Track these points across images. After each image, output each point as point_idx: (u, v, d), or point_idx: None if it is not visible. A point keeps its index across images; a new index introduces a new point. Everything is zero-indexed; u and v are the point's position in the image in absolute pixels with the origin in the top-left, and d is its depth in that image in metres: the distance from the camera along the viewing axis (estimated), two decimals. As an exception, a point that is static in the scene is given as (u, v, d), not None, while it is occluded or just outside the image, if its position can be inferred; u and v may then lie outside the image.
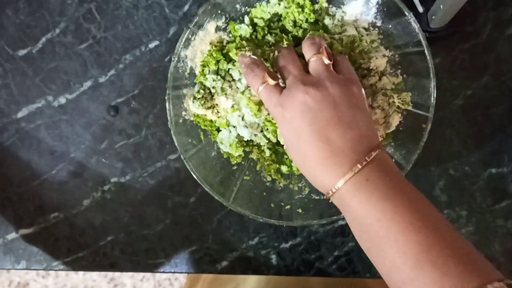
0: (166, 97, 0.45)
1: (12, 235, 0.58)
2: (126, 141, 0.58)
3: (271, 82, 0.39)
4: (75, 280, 1.36)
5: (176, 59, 0.46)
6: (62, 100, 0.58)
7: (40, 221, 0.58)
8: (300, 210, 0.47)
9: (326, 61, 0.39)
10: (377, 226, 0.34)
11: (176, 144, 0.46)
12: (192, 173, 0.45)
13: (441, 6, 0.49)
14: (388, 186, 0.35)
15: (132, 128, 0.58)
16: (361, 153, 0.36)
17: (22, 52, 0.59)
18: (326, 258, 0.56)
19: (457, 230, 0.35)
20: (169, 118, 0.46)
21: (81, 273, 1.36)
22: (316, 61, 0.39)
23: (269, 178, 0.49)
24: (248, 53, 0.42)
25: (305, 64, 0.41)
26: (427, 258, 0.32)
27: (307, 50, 0.41)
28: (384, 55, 0.47)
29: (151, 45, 0.58)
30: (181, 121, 0.47)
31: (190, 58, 0.47)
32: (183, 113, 0.47)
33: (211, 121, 0.48)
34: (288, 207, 0.47)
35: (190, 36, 0.46)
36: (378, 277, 0.55)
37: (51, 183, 0.58)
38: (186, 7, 0.58)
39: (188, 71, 0.48)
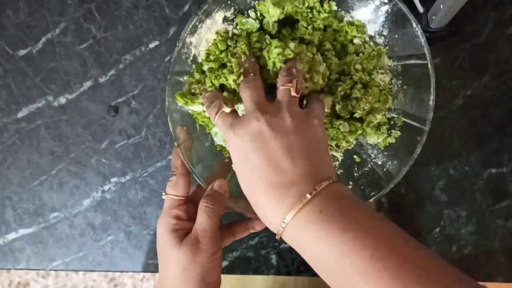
0: (166, 82, 0.45)
1: (12, 235, 0.58)
2: (126, 141, 0.58)
3: (226, 109, 0.39)
4: (75, 280, 1.36)
5: (180, 44, 0.45)
6: (62, 100, 0.58)
7: (40, 221, 0.58)
8: None
9: (293, 93, 0.39)
10: (342, 261, 0.32)
11: (171, 130, 0.45)
12: (184, 161, 0.44)
13: (441, 6, 0.49)
14: (345, 215, 0.33)
15: (132, 128, 0.58)
16: (312, 184, 0.35)
17: (22, 52, 0.59)
18: (326, 258, 0.56)
19: (420, 244, 0.33)
20: (166, 103, 0.45)
21: (81, 273, 1.36)
22: (283, 90, 0.39)
23: None
24: (209, 89, 0.43)
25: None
26: (401, 284, 0.30)
27: (281, 78, 0.40)
28: (387, 70, 0.47)
29: (151, 45, 0.58)
30: (178, 107, 0.47)
31: (195, 46, 0.47)
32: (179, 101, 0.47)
33: (208, 118, 0.48)
34: None
35: (197, 23, 0.46)
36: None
37: (51, 183, 0.58)
38: (186, 7, 0.58)
39: (191, 58, 0.47)
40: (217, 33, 0.47)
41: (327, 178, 0.35)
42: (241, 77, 0.41)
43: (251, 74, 0.41)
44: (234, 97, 0.42)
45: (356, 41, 0.47)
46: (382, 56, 0.47)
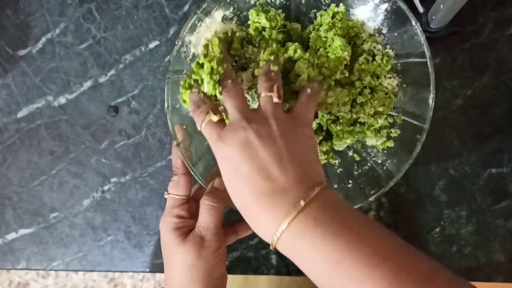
0: (165, 81, 0.45)
1: (12, 235, 0.58)
2: (126, 141, 0.58)
3: (214, 118, 0.39)
4: (75, 280, 1.36)
5: (180, 43, 0.45)
6: (62, 100, 0.58)
7: (40, 221, 0.58)
8: None
9: (275, 100, 0.38)
10: (339, 269, 0.31)
11: (170, 129, 0.45)
12: (184, 160, 0.44)
13: (441, 6, 0.49)
14: (339, 222, 0.33)
15: (132, 128, 0.58)
16: (304, 190, 0.34)
17: (22, 52, 0.59)
18: (326, 258, 0.56)
19: (416, 249, 0.33)
20: (166, 102, 0.45)
21: (81, 273, 1.36)
22: (265, 97, 0.38)
23: None
24: (195, 90, 0.41)
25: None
26: None
27: (260, 85, 0.39)
28: (394, 74, 0.47)
29: (151, 45, 0.58)
30: (177, 106, 0.46)
31: (194, 45, 0.47)
32: (180, 99, 0.47)
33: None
34: None
35: (196, 22, 0.46)
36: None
37: (51, 183, 0.58)
38: (186, 7, 0.58)
39: (190, 57, 0.47)
40: (216, 34, 0.47)
41: (319, 184, 0.35)
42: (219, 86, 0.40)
43: (229, 81, 0.40)
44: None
45: (365, 46, 0.47)
46: (391, 59, 0.47)
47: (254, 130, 0.36)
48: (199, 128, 0.40)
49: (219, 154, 0.37)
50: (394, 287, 0.30)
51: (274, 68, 0.40)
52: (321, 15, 0.47)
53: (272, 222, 0.34)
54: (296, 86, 0.42)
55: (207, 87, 0.40)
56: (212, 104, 0.40)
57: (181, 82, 0.43)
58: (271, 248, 0.35)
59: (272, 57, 0.42)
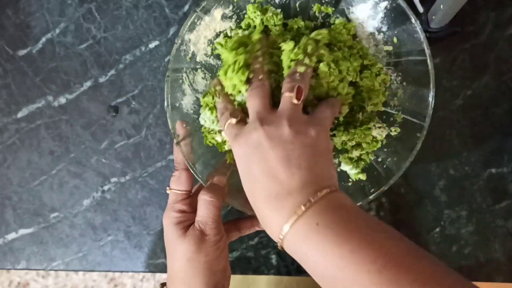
0: (165, 79, 0.45)
1: (12, 235, 0.58)
2: (126, 141, 0.58)
3: (232, 121, 0.41)
4: (75, 280, 1.36)
5: (179, 41, 0.45)
6: (62, 100, 0.58)
7: (40, 221, 0.58)
8: None
9: (294, 101, 0.38)
10: (341, 275, 0.31)
11: (170, 128, 0.45)
12: (184, 158, 0.45)
13: (441, 6, 0.49)
14: (342, 228, 0.33)
15: (132, 128, 0.58)
16: (308, 194, 0.34)
17: (22, 52, 0.59)
18: (326, 258, 0.56)
19: (423, 251, 0.33)
20: (165, 101, 0.45)
21: (81, 273, 1.36)
22: (285, 98, 0.39)
23: None
24: (219, 100, 0.44)
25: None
26: None
27: (284, 85, 0.40)
28: (385, 125, 0.47)
29: (151, 45, 0.58)
30: (177, 105, 0.46)
31: (193, 43, 0.47)
32: (180, 97, 0.47)
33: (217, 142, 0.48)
34: None
35: (196, 20, 0.46)
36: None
37: (51, 183, 0.58)
38: (186, 7, 0.58)
39: (190, 55, 0.47)
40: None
41: (326, 187, 0.35)
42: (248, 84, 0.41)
43: (256, 79, 0.41)
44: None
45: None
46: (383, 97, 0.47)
47: (265, 132, 0.36)
48: (223, 132, 0.42)
49: (234, 153, 0.39)
50: None
51: (301, 69, 0.40)
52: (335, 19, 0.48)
53: (277, 224, 0.35)
54: (322, 93, 0.43)
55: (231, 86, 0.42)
56: (232, 107, 0.43)
57: (202, 102, 0.46)
58: (277, 246, 0.36)
59: (301, 57, 0.41)
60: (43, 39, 0.59)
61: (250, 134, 0.37)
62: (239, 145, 0.38)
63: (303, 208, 0.34)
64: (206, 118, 0.46)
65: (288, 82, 0.40)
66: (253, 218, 0.48)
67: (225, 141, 0.47)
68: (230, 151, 0.47)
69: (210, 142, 0.47)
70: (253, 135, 0.37)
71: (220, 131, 0.46)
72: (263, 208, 0.36)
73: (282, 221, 0.34)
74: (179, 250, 0.42)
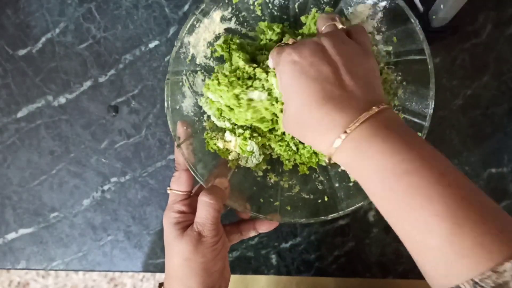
0: (165, 82, 0.45)
1: (12, 235, 0.58)
2: (126, 141, 0.58)
3: (290, 41, 0.40)
4: (75, 280, 1.36)
5: (179, 44, 0.45)
6: (62, 100, 0.58)
7: (40, 221, 0.58)
8: (288, 208, 0.46)
9: (339, 26, 0.39)
10: (405, 180, 0.30)
11: (170, 130, 0.45)
12: (184, 160, 0.45)
13: (441, 6, 0.49)
14: (410, 135, 0.32)
15: (132, 128, 0.58)
16: (373, 101, 0.34)
17: (22, 52, 0.59)
18: (326, 258, 0.56)
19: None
20: (166, 103, 0.45)
21: (81, 273, 1.36)
22: (329, 26, 0.40)
23: (260, 173, 0.49)
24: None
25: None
26: (465, 216, 0.28)
27: (321, 22, 0.41)
28: (389, 67, 0.47)
29: (151, 45, 0.58)
30: (177, 107, 0.46)
31: (193, 45, 0.47)
32: (180, 99, 0.47)
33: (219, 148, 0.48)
34: (277, 203, 0.47)
35: (195, 23, 0.46)
36: (377, 277, 0.55)
37: (51, 183, 0.58)
38: (186, 7, 0.58)
39: (189, 57, 0.47)
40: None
41: (387, 103, 0.35)
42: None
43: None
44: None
45: None
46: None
47: (329, 40, 0.36)
48: (273, 64, 0.40)
49: (285, 60, 0.37)
50: (462, 210, 0.28)
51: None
52: None
53: (338, 125, 0.33)
54: None
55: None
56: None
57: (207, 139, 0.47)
58: (325, 159, 0.35)
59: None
60: (43, 39, 0.59)
61: (310, 43, 0.37)
62: (294, 52, 0.36)
63: (376, 109, 0.33)
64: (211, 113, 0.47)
65: (326, 18, 0.41)
66: (255, 220, 0.48)
67: (227, 149, 0.47)
68: (233, 160, 0.47)
69: (211, 148, 0.47)
70: (314, 43, 0.36)
71: (222, 138, 0.47)
72: (315, 112, 0.34)
73: (346, 121, 0.33)
74: (176, 249, 0.42)
